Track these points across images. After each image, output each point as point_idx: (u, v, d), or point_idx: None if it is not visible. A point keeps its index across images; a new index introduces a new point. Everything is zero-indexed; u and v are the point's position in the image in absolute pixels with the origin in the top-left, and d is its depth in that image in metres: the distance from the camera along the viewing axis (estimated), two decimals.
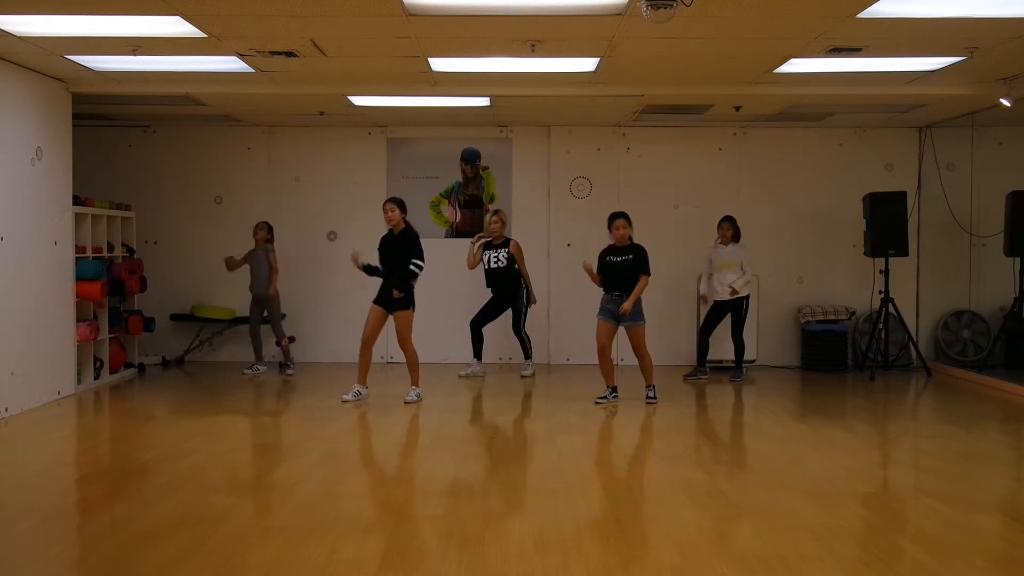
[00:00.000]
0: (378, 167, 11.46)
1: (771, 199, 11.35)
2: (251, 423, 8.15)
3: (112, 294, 9.72)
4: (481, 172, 11.44)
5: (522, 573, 4.25)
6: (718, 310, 10.13)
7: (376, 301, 8.51)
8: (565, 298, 11.24)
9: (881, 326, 10.58)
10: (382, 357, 11.31)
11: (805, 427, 7.93)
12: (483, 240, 10.13)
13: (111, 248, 10.01)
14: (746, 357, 10.52)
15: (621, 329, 8.61)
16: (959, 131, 11.00)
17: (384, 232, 8.65)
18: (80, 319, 9.17)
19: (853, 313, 11.13)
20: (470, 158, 11.32)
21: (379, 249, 8.61)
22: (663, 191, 11.26)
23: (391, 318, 8.48)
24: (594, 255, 8.74)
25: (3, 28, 6.92)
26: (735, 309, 10.06)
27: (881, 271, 10.51)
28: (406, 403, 8.52)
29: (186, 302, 11.29)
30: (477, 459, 6.68)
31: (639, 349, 8.58)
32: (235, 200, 11.43)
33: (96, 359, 9.55)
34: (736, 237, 10.12)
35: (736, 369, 10.19)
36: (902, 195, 10.60)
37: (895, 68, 8.15)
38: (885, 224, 10.45)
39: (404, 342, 8.50)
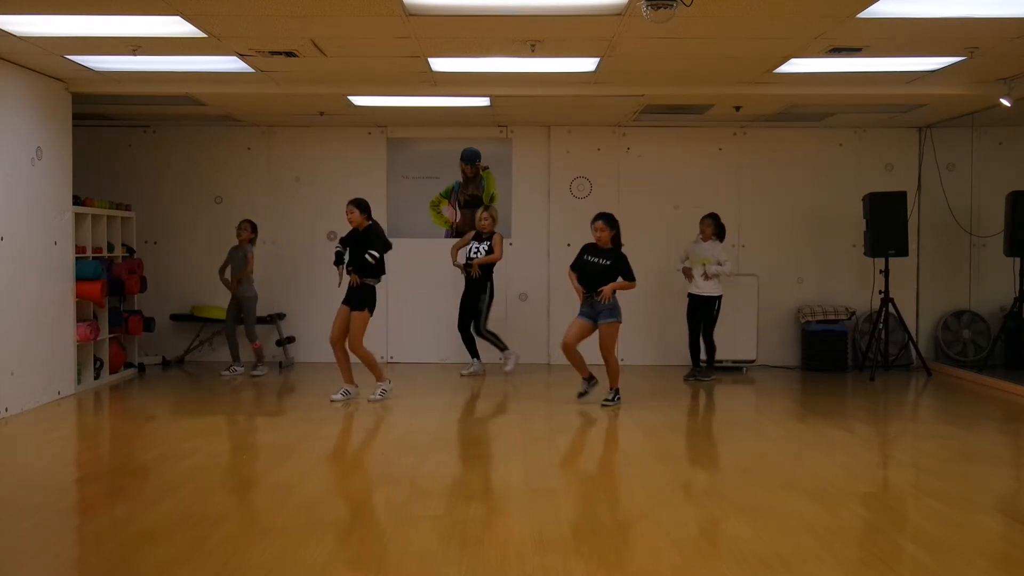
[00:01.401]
0: (378, 167, 11.46)
1: (771, 199, 11.35)
2: (251, 423, 8.15)
3: (112, 294, 9.71)
4: (481, 172, 11.44)
5: (522, 573, 4.25)
6: (693, 307, 10.05)
7: (344, 301, 8.56)
8: (565, 298, 11.19)
9: (881, 326, 10.58)
10: (381, 357, 11.31)
11: (805, 427, 7.93)
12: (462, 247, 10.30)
13: (111, 248, 10.01)
14: (746, 357, 10.53)
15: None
16: (959, 131, 11.00)
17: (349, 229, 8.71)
18: (80, 319, 9.17)
19: (853, 313, 11.13)
20: (470, 158, 11.32)
21: (345, 244, 8.67)
22: (663, 191, 11.26)
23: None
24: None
25: (3, 28, 6.92)
26: (707, 308, 9.97)
27: (881, 271, 10.51)
28: (370, 400, 8.60)
29: (186, 302, 11.29)
30: (477, 459, 6.68)
31: (607, 349, 8.40)
32: (235, 200, 11.43)
33: (96, 359, 9.55)
34: (718, 234, 10.05)
35: (705, 368, 10.13)
36: (902, 195, 10.60)
37: (895, 68, 8.14)
38: (885, 224, 10.45)
39: (356, 345, 8.48)
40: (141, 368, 10.58)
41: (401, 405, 8.58)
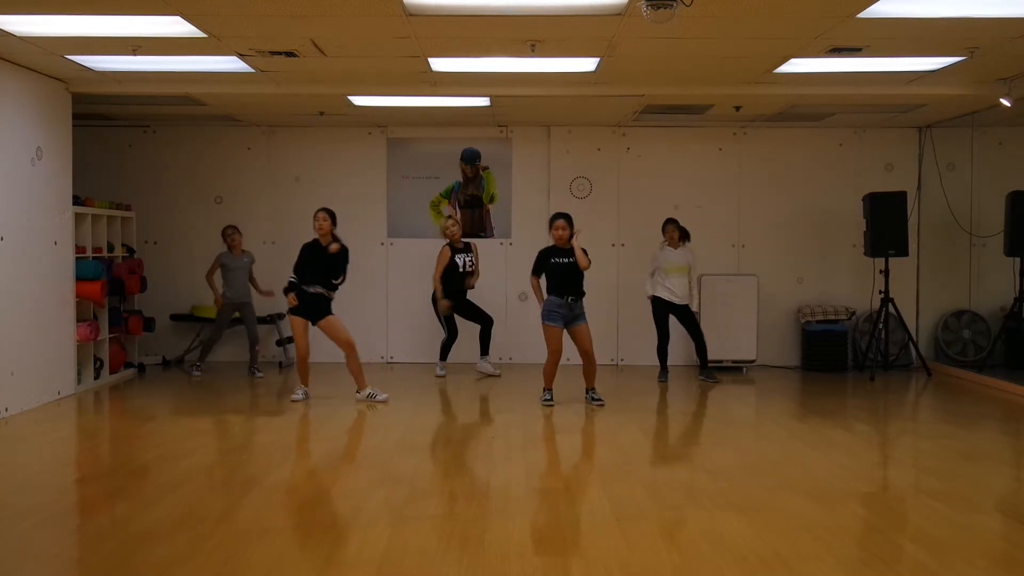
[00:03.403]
0: (378, 167, 11.46)
1: (771, 199, 11.36)
2: (251, 423, 8.15)
3: (112, 294, 9.72)
4: (481, 172, 11.44)
5: (522, 573, 4.25)
6: (664, 311, 9.97)
7: (296, 312, 8.51)
8: None
9: (881, 326, 10.58)
10: (382, 357, 11.34)
11: (805, 427, 7.92)
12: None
13: (111, 248, 10.01)
14: (746, 357, 10.51)
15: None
16: (959, 131, 11.01)
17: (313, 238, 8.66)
18: (80, 319, 9.17)
19: (853, 313, 11.13)
20: (470, 158, 11.33)
21: (306, 255, 8.58)
22: (663, 191, 11.26)
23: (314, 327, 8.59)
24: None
25: (3, 28, 6.92)
26: (684, 315, 9.91)
27: (881, 271, 10.51)
28: (360, 400, 8.62)
29: (186, 302, 11.29)
30: (477, 459, 6.68)
31: (590, 350, 8.42)
32: (235, 200, 11.44)
33: (96, 359, 9.55)
34: (684, 238, 10.00)
35: (705, 370, 10.09)
36: (902, 195, 10.60)
37: (895, 68, 8.15)
38: (885, 224, 10.45)
39: (349, 341, 8.55)
40: (141, 368, 10.58)
41: (401, 405, 8.58)
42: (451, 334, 10.26)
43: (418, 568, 4.35)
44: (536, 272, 8.52)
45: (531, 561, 4.39)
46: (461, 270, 10.11)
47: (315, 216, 8.59)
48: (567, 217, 8.48)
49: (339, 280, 8.59)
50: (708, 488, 5.73)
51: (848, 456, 6.72)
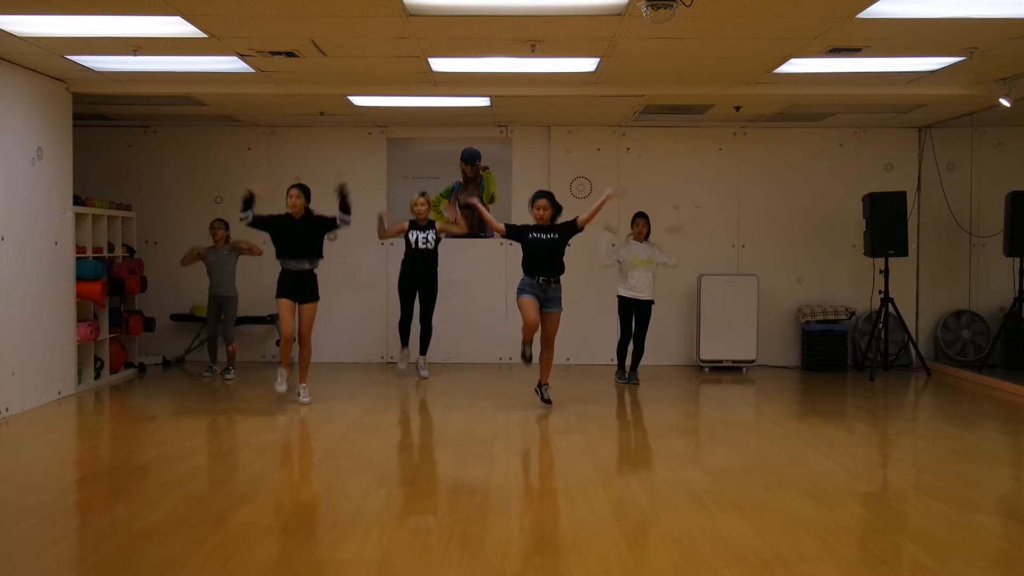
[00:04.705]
0: (378, 167, 11.46)
1: (771, 199, 11.35)
2: (251, 423, 8.15)
3: (112, 294, 9.72)
4: (481, 172, 11.44)
5: (522, 573, 4.25)
6: (627, 310, 9.73)
7: (286, 296, 8.35)
8: (565, 299, 11.20)
9: (881, 326, 10.58)
10: (382, 357, 11.34)
11: (805, 427, 7.93)
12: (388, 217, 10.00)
13: (111, 248, 10.01)
14: (746, 357, 10.49)
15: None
16: (959, 131, 11.01)
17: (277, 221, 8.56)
18: (80, 319, 9.17)
19: (853, 313, 11.13)
20: (470, 158, 11.33)
21: (278, 230, 8.44)
22: (663, 191, 11.26)
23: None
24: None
25: (3, 28, 6.92)
26: (643, 311, 9.68)
27: (881, 271, 10.51)
28: (303, 403, 8.42)
29: (186, 302, 11.29)
30: (477, 459, 6.67)
31: (552, 338, 8.18)
32: (235, 200, 11.34)
33: (96, 359, 9.55)
34: (648, 235, 9.84)
35: (631, 371, 9.83)
36: (902, 195, 10.61)
37: (895, 68, 8.15)
38: (885, 224, 10.45)
39: (310, 336, 8.42)
40: (141, 368, 10.57)
41: (401, 405, 8.57)
42: (403, 314, 10.10)
43: (418, 568, 4.35)
44: (508, 228, 8.28)
45: (531, 561, 4.40)
46: (414, 247, 9.90)
47: (287, 193, 8.46)
48: (549, 196, 8.27)
49: (349, 216, 8.45)
50: (708, 488, 5.73)
51: (848, 456, 6.72)
